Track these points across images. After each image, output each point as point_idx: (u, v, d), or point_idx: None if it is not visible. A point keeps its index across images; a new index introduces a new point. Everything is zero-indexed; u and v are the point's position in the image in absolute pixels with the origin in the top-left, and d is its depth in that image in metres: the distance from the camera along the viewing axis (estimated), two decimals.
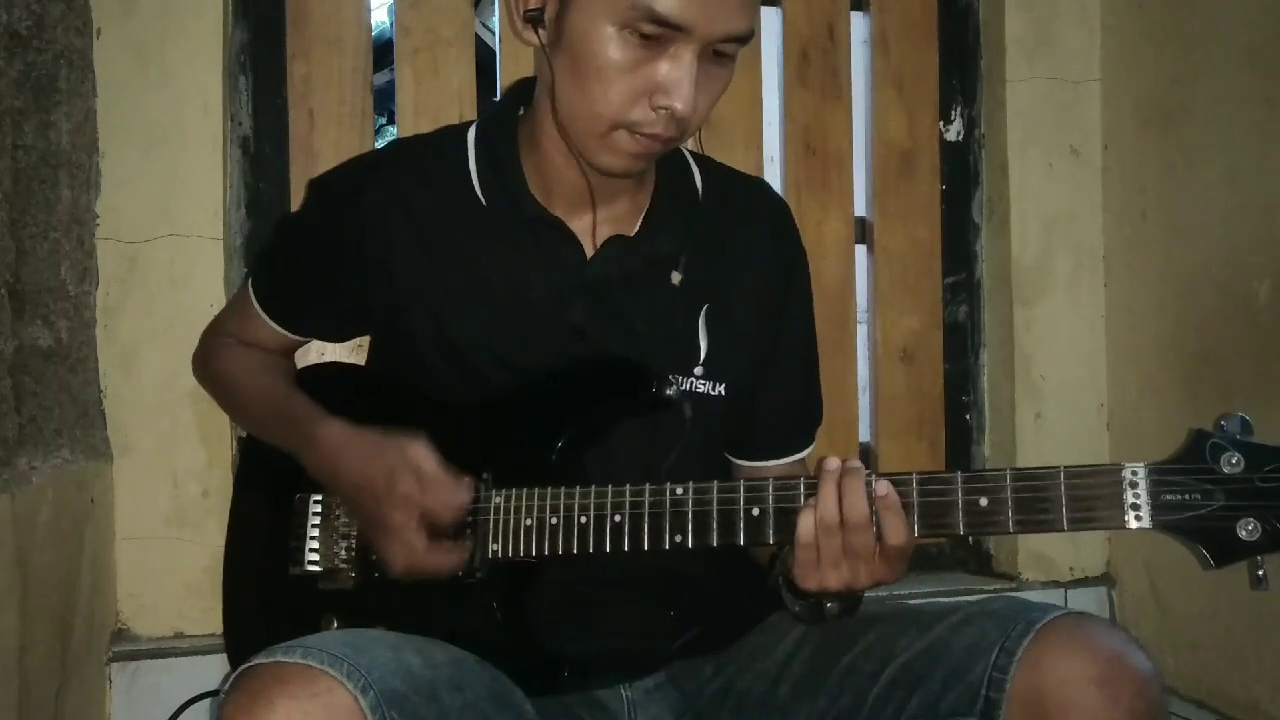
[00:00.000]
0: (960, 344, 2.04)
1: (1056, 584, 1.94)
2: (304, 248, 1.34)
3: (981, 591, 1.92)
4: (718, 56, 1.08)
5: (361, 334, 1.45)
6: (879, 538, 1.00)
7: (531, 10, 1.11)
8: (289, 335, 1.38)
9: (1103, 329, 1.97)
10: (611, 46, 1.05)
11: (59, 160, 1.48)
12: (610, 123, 1.09)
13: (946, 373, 2.04)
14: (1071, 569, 1.96)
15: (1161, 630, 1.84)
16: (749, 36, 1.08)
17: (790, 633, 1.21)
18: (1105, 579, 1.97)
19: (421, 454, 1.12)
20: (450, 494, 1.12)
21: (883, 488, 1.00)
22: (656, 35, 1.04)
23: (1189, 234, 1.78)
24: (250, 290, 1.37)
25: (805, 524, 1.01)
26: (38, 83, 1.42)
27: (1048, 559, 1.95)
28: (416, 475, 1.11)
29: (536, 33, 1.12)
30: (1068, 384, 1.96)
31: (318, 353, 1.67)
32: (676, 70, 1.05)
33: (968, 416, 2.05)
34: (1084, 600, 1.92)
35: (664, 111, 1.07)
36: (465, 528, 1.14)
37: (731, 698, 1.22)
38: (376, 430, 1.16)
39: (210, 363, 1.42)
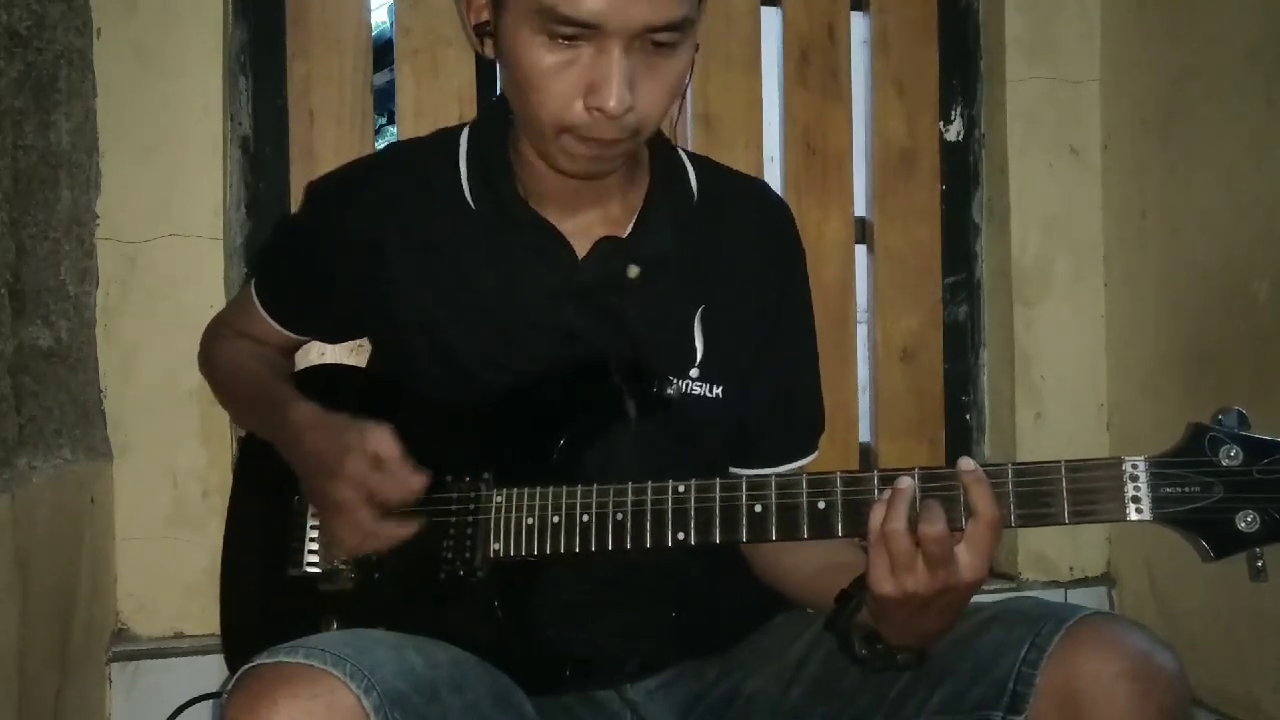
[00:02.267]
0: (960, 344, 2.04)
1: (1056, 584, 1.94)
2: (300, 251, 1.35)
3: (981, 592, 1.91)
4: (658, 47, 1.04)
5: (360, 335, 1.45)
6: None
7: (481, 24, 1.12)
8: (288, 334, 1.40)
9: (1103, 329, 1.97)
10: (537, 52, 1.04)
11: (59, 160, 1.48)
12: (553, 128, 1.08)
13: (946, 373, 2.03)
14: (1071, 569, 1.96)
15: (1161, 629, 1.81)
16: (680, 24, 1.04)
17: (802, 635, 1.20)
18: (1105, 579, 1.97)
19: (380, 439, 1.11)
20: (402, 477, 1.11)
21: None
22: (574, 35, 1.02)
23: (1189, 234, 1.78)
24: (252, 288, 1.40)
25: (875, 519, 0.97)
26: (38, 83, 1.41)
27: (1047, 559, 1.95)
28: (370, 458, 1.11)
29: (486, 45, 1.12)
30: (1068, 384, 1.96)
31: (318, 352, 1.67)
32: (602, 69, 1.03)
33: (968, 416, 2.04)
34: (1084, 600, 1.91)
35: (597, 113, 1.05)
36: (424, 511, 1.13)
37: (739, 700, 1.22)
38: (347, 416, 1.16)
39: (211, 352, 1.44)
